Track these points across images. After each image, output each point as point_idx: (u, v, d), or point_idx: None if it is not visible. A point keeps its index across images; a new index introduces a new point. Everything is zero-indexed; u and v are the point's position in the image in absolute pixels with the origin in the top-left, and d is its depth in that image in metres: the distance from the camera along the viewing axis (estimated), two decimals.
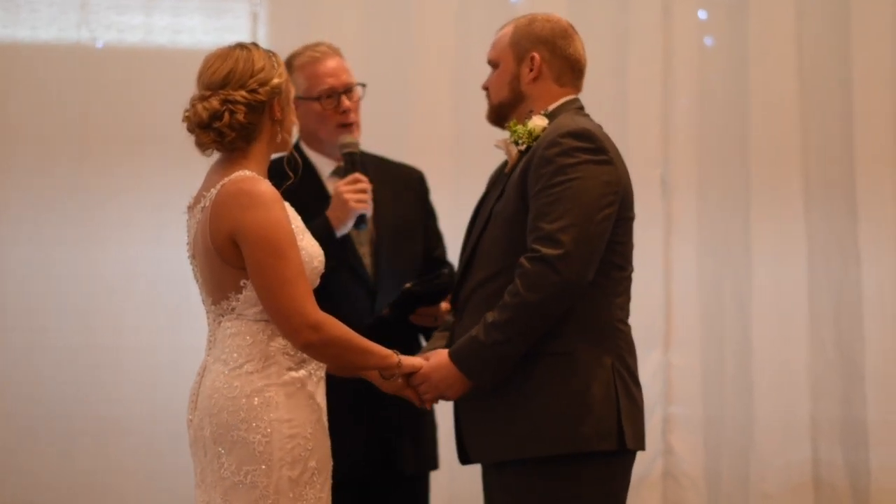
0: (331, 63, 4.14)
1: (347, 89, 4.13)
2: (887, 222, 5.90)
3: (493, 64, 3.57)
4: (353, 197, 3.94)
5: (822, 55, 5.95)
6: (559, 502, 3.30)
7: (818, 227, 5.90)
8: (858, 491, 5.81)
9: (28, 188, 5.50)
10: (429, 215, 4.27)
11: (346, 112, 4.10)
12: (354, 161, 4.05)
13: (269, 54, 3.24)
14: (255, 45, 3.25)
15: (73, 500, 5.45)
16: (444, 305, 3.91)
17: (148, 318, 5.50)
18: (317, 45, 4.19)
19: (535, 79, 3.50)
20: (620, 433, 3.32)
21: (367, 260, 4.07)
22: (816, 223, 5.90)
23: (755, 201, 5.87)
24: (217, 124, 3.15)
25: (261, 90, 3.17)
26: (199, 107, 3.17)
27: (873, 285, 5.86)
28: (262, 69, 3.18)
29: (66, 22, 5.60)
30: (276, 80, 3.20)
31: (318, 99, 4.11)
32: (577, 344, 3.32)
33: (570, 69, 3.53)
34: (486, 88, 3.60)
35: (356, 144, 4.08)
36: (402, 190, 4.22)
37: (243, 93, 3.16)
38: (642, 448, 3.41)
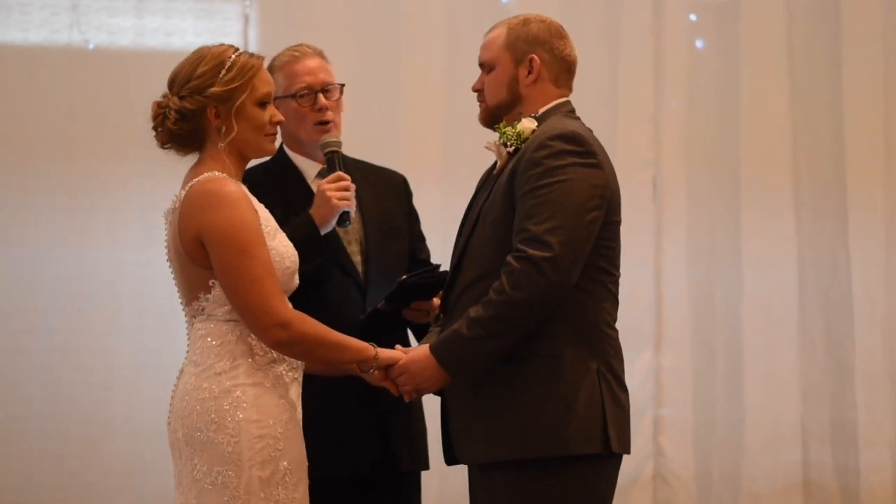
0: (309, 62, 4.12)
1: (325, 88, 4.10)
2: (877, 224, 5.91)
3: (488, 66, 3.54)
4: (336, 194, 3.93)
5: (812, 58, 5.96)
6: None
7: (808, 230, 5.92)
8: (848, 492, 5.82)
9: (18, 189, 5.51)
10: (413, 218, 4.26)
11: (322, 110, 4.09)
12: (337, 160, 4.05)
13: (230, 60, 3.16)
14: (226, 46, 3.21)
15: (62, 502, 5.45)
16: (436, 301, 3.92)
17: (136, 320, 5.51)
18: (298, 45, 4.19)
19: (534, 81, 3.49)
20: (606, 437, 3.31)
21: (356, 258, 4.08)
22: (806, 225, 5.92)
23: (745, 204, 5.89)
24: (159, 127, 3.18)
25: (189, 99, 3.14)
26: (153, 105, 3.20)
27: (863, 287, 5.87)
28: (201, 76, 3.13)
29: (58, 24, 5.61)
30: (214, 89, 3.13)
31: (294, 97, 4.11)
32: (564, 347, 3.31)
33: (567, 70, 3.53)
34: (477, 90, 3.58)
35: (338, 143, 4.07)
36: (386, 192, 4.22)
37: (175, 99, 3.16)
38: (627, 451, 3.40)
